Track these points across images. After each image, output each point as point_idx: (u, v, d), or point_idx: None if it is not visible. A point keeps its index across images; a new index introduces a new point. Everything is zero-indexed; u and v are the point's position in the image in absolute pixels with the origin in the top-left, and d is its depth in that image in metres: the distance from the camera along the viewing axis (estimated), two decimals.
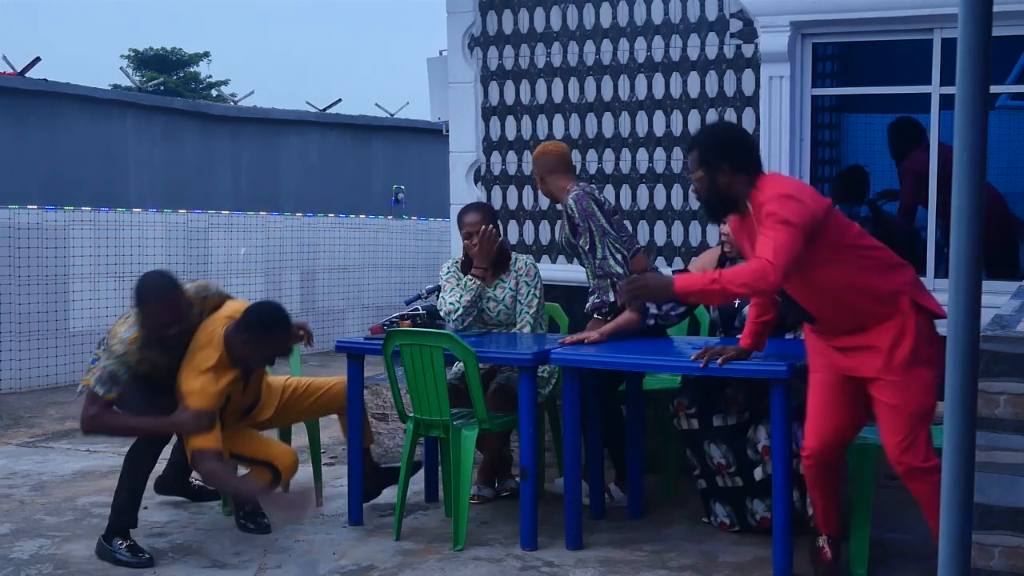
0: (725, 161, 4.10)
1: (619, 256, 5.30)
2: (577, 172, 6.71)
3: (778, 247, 3.88)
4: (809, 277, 4.02)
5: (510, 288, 5.49)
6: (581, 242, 5.31)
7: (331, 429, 7.44)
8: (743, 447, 4.89)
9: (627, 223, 6.58)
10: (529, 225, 6.93)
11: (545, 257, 6.86)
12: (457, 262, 5.56)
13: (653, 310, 5.05)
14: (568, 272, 6.64)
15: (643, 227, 6.56)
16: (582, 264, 5.47)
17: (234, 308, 4.87)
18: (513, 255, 5.56)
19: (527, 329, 5.42)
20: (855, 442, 4.46)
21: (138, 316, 4.69)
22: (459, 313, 5.36)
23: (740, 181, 4.10)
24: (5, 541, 5.00)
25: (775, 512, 4.31)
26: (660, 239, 6.52)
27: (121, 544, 4.69)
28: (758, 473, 4.84)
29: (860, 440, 4.44)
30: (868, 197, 6.93)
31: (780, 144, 6.15)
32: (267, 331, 4.74)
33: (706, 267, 5.02)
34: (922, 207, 6.47)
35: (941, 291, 5.72)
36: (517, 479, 5.22)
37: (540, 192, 5.82)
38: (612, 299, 5.25)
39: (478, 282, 5.40)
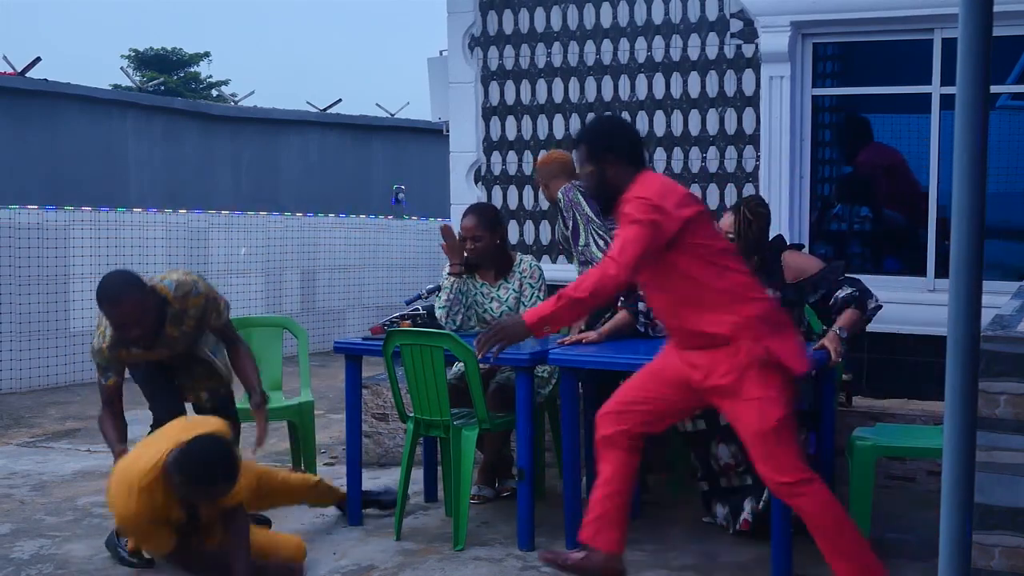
0: (611, 153, 4.08)
1: (601, 243, 5.39)
2: (578, 172, 6.72)
3: (624, 244, 3.86)
4: (662, 284, 4.01)
5: (513, 289, 5.48)
6: (569, 231, 5.49)
7: (331, 429, 7.44)
8: None
9: None
10: (530, 225, 6.93)
11: (546, 257, 6.87)
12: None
13: (642, 317, 5.05)
14: (569, 272, 6.64)
15: None
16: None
17: (182, 432, 4.25)
18: (517, 256, 5.55)
19: None
20: (853, 443, 4.46)
21: (103, 319, 4.65)
22: (442, 313, 5.37)
23: (626, 174, 4.05)
24: (5, 541, 5.00)
25: (773, 512, 4.31)
26: None
27: (127, 542, 4.69)
28: None
29: (858, 440, 4.45)
30: (871, 197, 6.94)
31: (781, 144, 6.15)
32: (205, 479, 4.11)
33: None
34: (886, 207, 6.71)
35: (941, 291, 5.75)
36: (514, 477, 5.21)
37: (545, 198, 6.09)
38: None
39: (452, 279, 5.39)
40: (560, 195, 5.58)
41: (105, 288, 4.52)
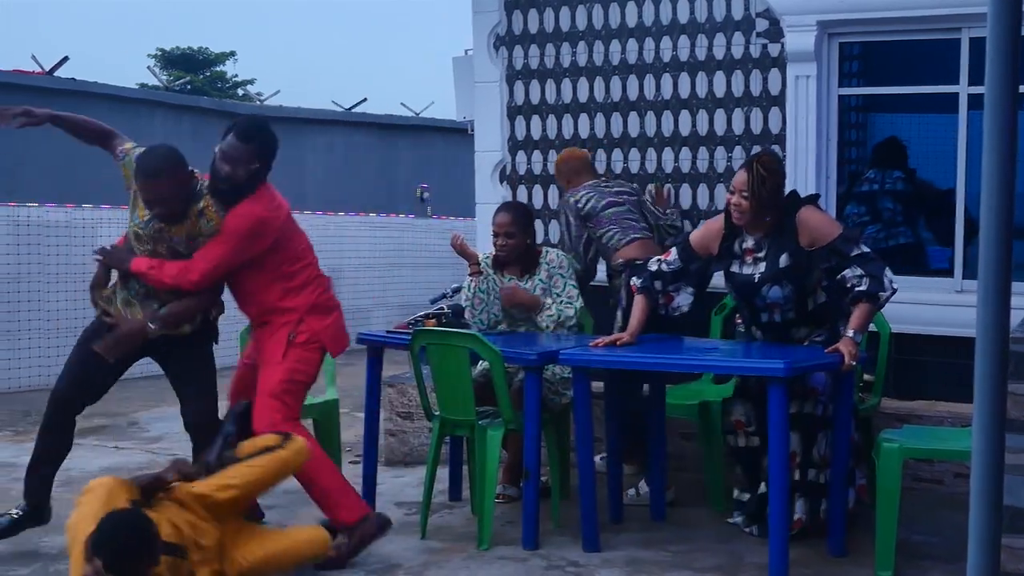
0: (270, 163, 4.80)
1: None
2: (602, 172, 6.72)
3: (210, 256, 4.61)
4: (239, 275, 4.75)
5: (540, 280, 5.48)
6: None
7: (357, 427, 7.46)
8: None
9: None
10: (555, 225, 6.92)
11: (561, 252, 6.85)
12: (488, 257, 5.56)
13: (661, 298, 4.96)
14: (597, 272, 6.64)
15: None
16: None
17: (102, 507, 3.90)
18: (543, 249, 5.56)
19: (546, 325, 5.38)
20: (880, 444, 4.42)
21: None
22: (467, 313, 5.40)
23: (261, 180, 4.75)
24: (34, 536, 5.04)
25: (772, 516, 4.30)
26: None
27: None
28: (812, 473, 4.80)
29: (884, 442, 4.41)
30: (905, 164, 6.91)
31: (807, 144, 6.12)
32: (119, 564, 3.72)
33: (707, 239, 4.89)
34: None
35: (969, 292, 5.71)
36: (543, 479, 5.22)
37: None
38: None
39: (472, 280, 5.41)
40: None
41: (146, 158, 4.63)
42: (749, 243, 4.78)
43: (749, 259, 4.79)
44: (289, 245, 4.83)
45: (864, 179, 6.86)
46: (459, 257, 5.52)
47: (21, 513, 4.87)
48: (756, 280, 4.75)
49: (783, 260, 4.69)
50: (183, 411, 4.85)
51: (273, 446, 4.30)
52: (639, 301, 4.96)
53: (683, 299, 4.93)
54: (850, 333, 4.50)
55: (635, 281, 4.99)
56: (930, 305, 5.72)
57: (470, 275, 5.41)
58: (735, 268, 4.83)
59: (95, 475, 6.22)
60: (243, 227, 4.60)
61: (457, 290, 5.69)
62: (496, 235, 5.45)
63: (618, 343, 4.82)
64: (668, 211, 6.11)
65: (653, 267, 4.94)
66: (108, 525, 3.73)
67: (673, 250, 4.96)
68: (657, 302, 4.94)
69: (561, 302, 5.39)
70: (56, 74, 11.84)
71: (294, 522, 5.11)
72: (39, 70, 11.83)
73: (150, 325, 4.65)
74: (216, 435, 4.47)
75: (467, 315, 5.43)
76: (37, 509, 4.89)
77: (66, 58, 11.85)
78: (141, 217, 4.71)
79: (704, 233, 4.94)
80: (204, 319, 4.84)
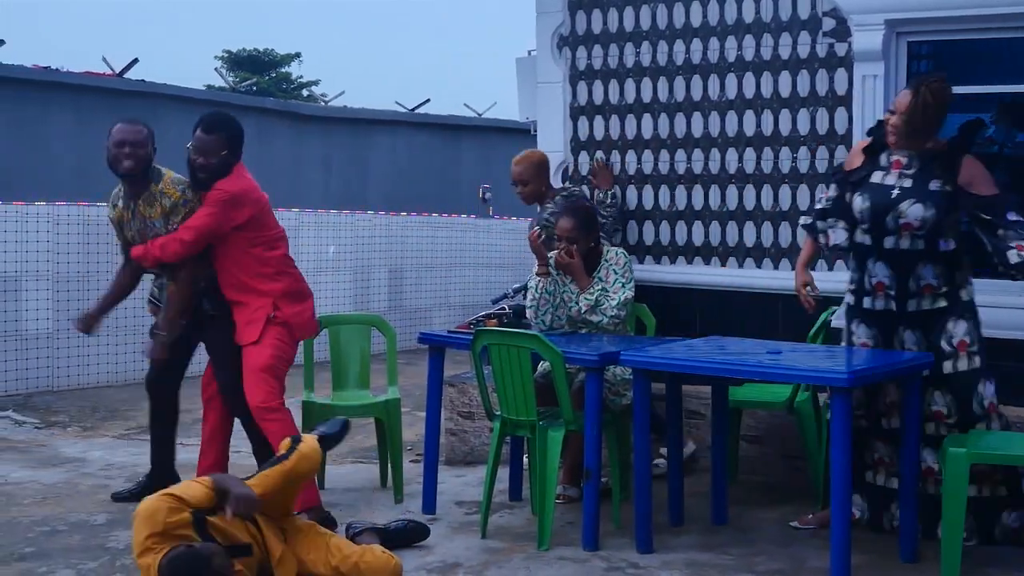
0: (239, 148, 5.39)
1: None
2: (665, 173, 6.69)
3: (194, 223, 5.22)
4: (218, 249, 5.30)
5: (599, 278, 5.47)
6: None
7: (417, 427, 7.50)
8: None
9: (715, 224, 6.54)
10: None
11: (632, 257, 6.84)
12: (552, 257, 5.56)
13: (822, 237, 4.97)
14: (657, 273, 6.61)
15: (732, 228, 6.50)
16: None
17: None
18: (605, 247, 5.55)
19: (612, 306, 5.37)
20: (946, 449, 4.34)
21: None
22: (531, 313, 5.42)
23: (233, 164, 5.32)
24: (102, 530, 5.13)
25: (834, 519, 4.24)
26: (750, 240, 6.46)
27: None
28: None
29: (950, 447, 4.33)
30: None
31: None
32: None
33: (854, 155, 4.86)
34: None
35: None
36: (604, 480, 5.21)
37: (521, 196, 6.25)
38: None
39: (539, 280, 5.42)
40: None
41: (126, 119, 5.40)
42: (900, 157, 4.61)
43: (895, 171, 4.61)
44: (264, 231, 5.38)
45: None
46: (520, 258, 5.54)
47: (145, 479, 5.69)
48: (897, 193, 4.55)
49: (934, 184, 4.53)
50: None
51: (283, 455, 4.27)
52: (806, 240, 5.15)
53: (838, 236, 4.83)
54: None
55: (803, 220, 5.16)
56: (1004, 308, 5.59)
57: (537, 275, 5.42)
58: (875, 179, 4.64)
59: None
60: (223, 197, 5.24)
61: (519, 290, 5.70)
62: (559, 240, 5.45)
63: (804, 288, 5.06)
64: (609, 192, 6.37)
65: (819, 205, 4.97)
66: (172, 563, 3.73)
67: (832, 185, 4.92)
68: (817, 241, 4.98)
69: (602, 290, 5.38)
70: (126, 76, 12.03)
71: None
72: (110, 72, 12.03)
73: (160, 334, 5.48)
74: (238, 398, 5.22)
75: (529, 315, 5.44)
76: (163, 475, 5.55)
77: (136, 60, 12.05)
78: (127, 220, 5.47)
79: (853, 152, 4.89)
80: (212, 300, 5.42)
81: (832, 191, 4.87)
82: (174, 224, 5.31)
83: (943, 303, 4.65)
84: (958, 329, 4.64)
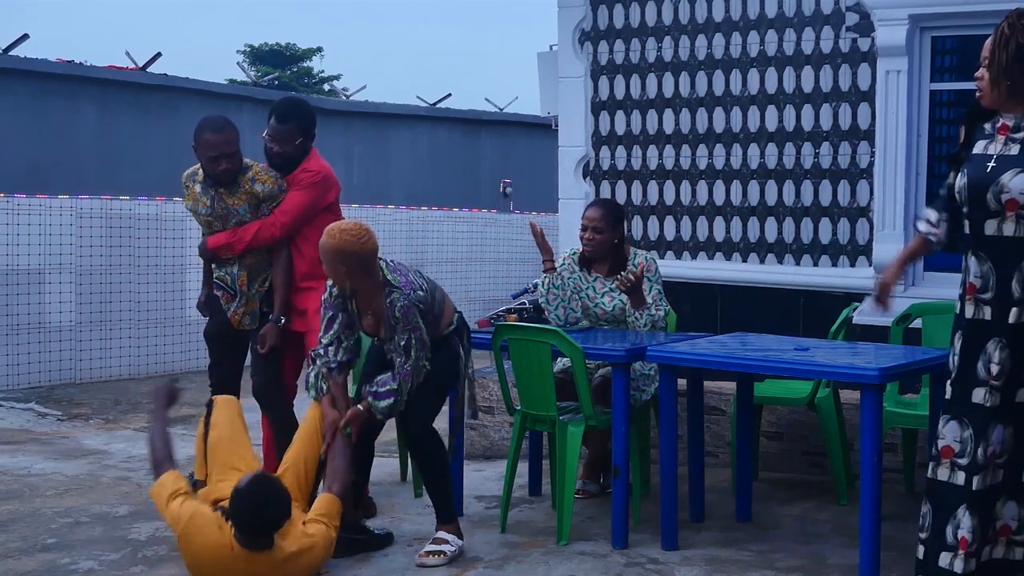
0: (313, 132, 5.35)
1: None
2: (687, 168, 6.67)
3: (288, 207, 5.20)
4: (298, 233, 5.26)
5: (624, 275, 5.46)
6: (397, 339, 4.62)
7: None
8: None
9: (737, 220, 6.52)
10: (638, 221, 6.90)
11: (653, 252, 6.82)
12: (575, 253, 5.56)
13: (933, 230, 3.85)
14: (678, 268, 6.60)
15: (753, 223, 6.48)
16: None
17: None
18: (632, 251, 5.53)
19: (643, 325, 5.33)
20: None
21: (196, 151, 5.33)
22: (545, 308, 5.41)
23: (309, 148, 5.33)
24: (124, 522, 5.16)
25: (862, 518, 4.16)
26: (771, 235, 6.44)
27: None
28: None
29: None
30: None
31: (897, 140, 6.02)
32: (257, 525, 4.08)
33: (963, 132, 3.77)
34: None
35: None
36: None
37: (335, 281, 4.68)
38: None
39: (546, 276, 5.43)
40: (399, 313, 4.55)
41: (210, 119, 5.29)
42: (1008, 120, 3.60)
43: (1001, 138, 3.60)
44: (335, 215, 5.25)
45: None
46: (539, 253, 5.54)
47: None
48: (993, 165, 3.54)
49: None
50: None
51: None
52: (917, 240, 4.03)
53: (943, 229, 3.83)
54: None
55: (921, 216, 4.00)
56: None
57: (544, 271, 5.45)
58: (977, 149, 3.64)
59: (182, 464, 6.34)
60: (314, 179, 5.25)
61: (538, 286, 5.70)
62: (584, 228, 5.43)
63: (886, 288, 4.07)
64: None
65: (931, 211, 3.91)
66: (244, 490, 4.05)
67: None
68: (926, 233, 3.90)
69: (650, 304, 5.33)
70: (149, 70, 12.07)
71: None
72: (132, 66, 12.07)
73: (277, 318, 5.28)
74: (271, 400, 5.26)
75: (545, 310, 5.46)
76: None
77: (159, 54, 12.07)
78: (205, 206, 5.31)
79: (961, 131, 3.81)
80: (267, 301, 5.35)
81: (950, 177, 3.78)
82: (266, 210, 5.26)
83: None
84: None
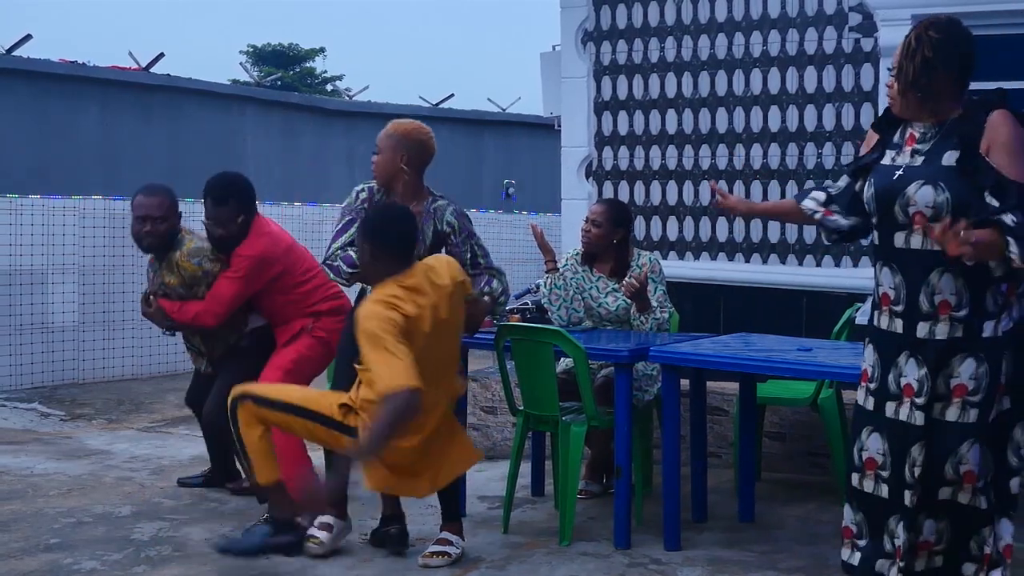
0: (253, 206, 5.31)
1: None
2: (690, 168, 6.67)
3: (221, 295, 5.15)
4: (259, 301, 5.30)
5: (629, 280, 5.46)
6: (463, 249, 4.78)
7: None
8: None
9: (739, 220, 6.52)
10: (641, 221, 6.90)
11: (656, 252, 6.83)
12: (577, 253, 5.56)
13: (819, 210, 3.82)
14: (680, 269, 6.60)
15: (756, 224, 6.48)
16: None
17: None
18: (636, 251, 5.53)
19: (649, 329, 5.34)
20: None
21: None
22: (547, 308, 5.42)
23: (250, 223, 5.24)
24: (126, 523, 5.16)
25: None
26: (774, 236, 6.44)
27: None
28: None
29: None
30: None
31: None
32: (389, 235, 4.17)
33: (870, 138, 3.71)
34: None
35: None
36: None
37: (378, 171, 4.85)
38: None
39: (548, 276, 5.43)
40: (454, 218, 4.78)
41: (150, 185, 5.40)
42: (916, 130, 3.52)
43: (908, 148, 3.51)
44: (295, 268, 5.32)
45: None
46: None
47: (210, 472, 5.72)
48: (900, 174, 3.45)
49: (950, 157, 3.40)
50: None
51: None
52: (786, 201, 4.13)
53: (843, 221, 3.77)
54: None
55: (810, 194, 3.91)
56: None
57: (546, 272, 5.45)
58: (886, 160, 3.55)
59: (185, 464, 6.35)
60: (249, 264, 5.17)
61: (540, 286, 5.70)
62: (585, 221, 5.46)
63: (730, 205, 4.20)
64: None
65: (820, 192, 3.86)
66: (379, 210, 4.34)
67: (844, 176, 3.80)
68: (810, 211, 3.84)
69: (656, 307, 5.34)
70: (152, 70, 12.07)
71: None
72: (135, 66, 12.07)
73: (160, 312, 5.34)
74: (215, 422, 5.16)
75: (547, 311, 5.46)
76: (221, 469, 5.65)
77: (162, 54, 12.07)
78: (150, 280, 5.49)
79: (869, 135, 3.76)
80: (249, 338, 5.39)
81: (842, 180, 3.77)
82: (200, 293, 5.26)
83: (959, 332, 3.42)
84: (964, 369, 3.42)
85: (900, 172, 3.46)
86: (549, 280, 5.47)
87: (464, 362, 5.15)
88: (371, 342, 3.84)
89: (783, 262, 6.41)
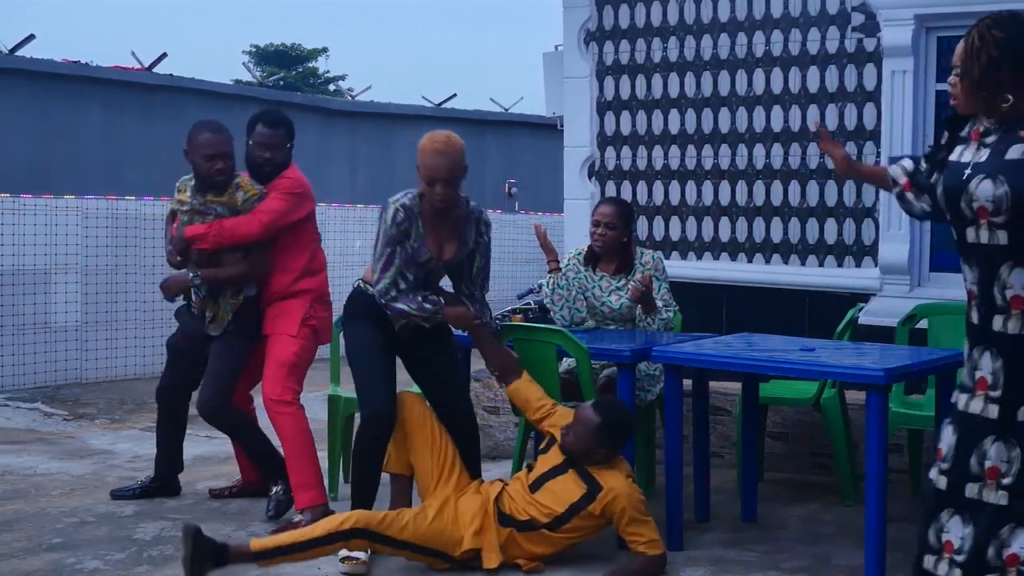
0: (293, 139, 5.51)
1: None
2: (692, 168, 6.68)
3: (269, 208, 5.14)
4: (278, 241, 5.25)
5: (635, 281, 5.46)
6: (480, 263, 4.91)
7: None
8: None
9: (742, 220, 6.52)
10: (643, 221, 6.90)
11: (659, 252, 6.82)
12: (580, 253, 5.56)
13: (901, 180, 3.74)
14: (683, 269, 6.60)
15: (759, 224, 6.48)
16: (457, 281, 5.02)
17: None
18: (639, 250, 5.53)
19: (656, 329, 5.33)
20: None
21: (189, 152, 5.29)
22: (550, 308, 5.42)
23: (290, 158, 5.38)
24: (129, 522, 5.16)
25: (868, 519, 4.16)
26: (776, 236, 6.43)
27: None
28: None
29: None
30: None
31: (902, 140, 6.01)
32: None
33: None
34: None
35: None
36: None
37: (443, 194, 4.69)
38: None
39: (551, 277, 5.44)
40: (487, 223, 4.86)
41: (206, 121, 5.34)
42: (983, 125, 3.46)
43: (974, 143, 3.46)
44: (313, 227, 5.40)
45: None
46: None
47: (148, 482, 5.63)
48: (968, 171, 3.37)
49: (1013, 151, 3.31)
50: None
51: None
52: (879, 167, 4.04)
53: (916, 204, 3.72)
54: None
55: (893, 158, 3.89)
56: None
57: (549, 272, 5.46)
58: (954, 155, 3.50)
59: (187, 464, 6.35)
60: (294, 187, 5.25)
61: (542, 286, 5.70)
62: (596, 224, 5.42)
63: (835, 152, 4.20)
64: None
65: (908, 161, 3.78)
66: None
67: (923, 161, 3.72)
68: (892, 179, 3.78)
69: (661, 307, 5.34)
70: (154, 70, 12.09)
71: None
72: (138, 66, 12.09)
73: (191, 276, 5.24)
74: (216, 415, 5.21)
75: (550, 311, 5.46)
76: (166, 480, 5.62)
77: (164, 55, 12.10)
78: (186, 201, 5.30)
79: (942, 135, 3.66)
80: (244, 302, 5.26)
81: (923, 164, 3.69)
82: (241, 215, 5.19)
83: None
84: None
85: (968, 171, 3.40)
86: (552, 280, 5.47)
87: (466, 362, 5.16)
88: (641, 512, 4.43)
89: (786, 262, 6.41)
